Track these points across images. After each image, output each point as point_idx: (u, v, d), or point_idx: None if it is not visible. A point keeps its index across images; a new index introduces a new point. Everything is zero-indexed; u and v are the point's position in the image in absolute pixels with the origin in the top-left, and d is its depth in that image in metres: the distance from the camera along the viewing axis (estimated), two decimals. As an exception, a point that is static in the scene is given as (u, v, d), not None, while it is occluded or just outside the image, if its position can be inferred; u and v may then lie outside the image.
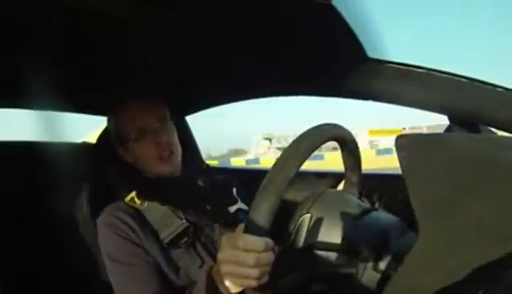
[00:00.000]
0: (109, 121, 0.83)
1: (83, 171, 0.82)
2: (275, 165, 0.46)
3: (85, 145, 0.98)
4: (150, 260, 0.68)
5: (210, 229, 0.75)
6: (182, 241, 0.70)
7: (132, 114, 0.76)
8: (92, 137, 0.95)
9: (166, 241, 0.69)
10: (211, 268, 0.53)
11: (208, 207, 0.78)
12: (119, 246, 0.67)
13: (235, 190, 0.88)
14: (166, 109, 0.80)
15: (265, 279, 0.46)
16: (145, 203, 0.72)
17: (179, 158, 0.79)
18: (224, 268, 0.46)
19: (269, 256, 0.45)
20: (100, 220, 0.71)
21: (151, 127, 0.75)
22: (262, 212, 0.43)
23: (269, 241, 0.45)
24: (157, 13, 0.55)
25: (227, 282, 0.47)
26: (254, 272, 0.44)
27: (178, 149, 0.79)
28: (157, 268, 0.68)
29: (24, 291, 0.84)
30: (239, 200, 0.86)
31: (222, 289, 0.49)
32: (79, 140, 1.06)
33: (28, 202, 0.86)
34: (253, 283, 0.45)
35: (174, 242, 0.69)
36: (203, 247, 0.71)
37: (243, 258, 0.44)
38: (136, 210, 0.72)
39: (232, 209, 0.82)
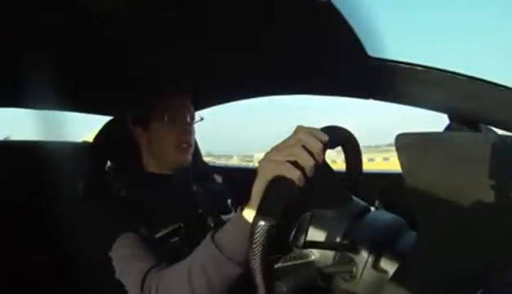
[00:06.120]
0: (133, 102, 0.83)
1: (83, 171, 0.82)
2: None
3: (85, 145, 0.98)
4: (143, 242, 0.66)
5: (201, 232, 0.75)
6: (173, 240, 0.70)
7: (171, 98, 0.79)
8: (91, 137, 0.95)
9: (157, 237, 0.69)
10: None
11: (200, 211, 0.78)
12: (110, 228, 0.66)
13: (230, 201, 0.88)
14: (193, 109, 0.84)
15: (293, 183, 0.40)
16: (141, 198, 0.73)
17: (191, 155, 0.81)
18: (261, 163, 0.43)
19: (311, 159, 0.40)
20: (93, 209, 0.71)
21: (184, 119, 0.79)
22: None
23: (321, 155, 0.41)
24: (157, 13, 0.55)
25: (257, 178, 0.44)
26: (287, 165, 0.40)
27: (193, 148, 0.82)
28: (151, 247, 0.66)
29: (25, 289, 0.85)
30: (233, 211, 0.85)
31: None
32: (79, 139, 1.05)
33: (28, 202, 0.86)
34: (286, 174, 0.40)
35: (165, 240, 0.69)
36: (192, 248, 0.71)
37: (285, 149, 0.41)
38: (131, 203, 0.72)
39: (225, 218, 0.82)
